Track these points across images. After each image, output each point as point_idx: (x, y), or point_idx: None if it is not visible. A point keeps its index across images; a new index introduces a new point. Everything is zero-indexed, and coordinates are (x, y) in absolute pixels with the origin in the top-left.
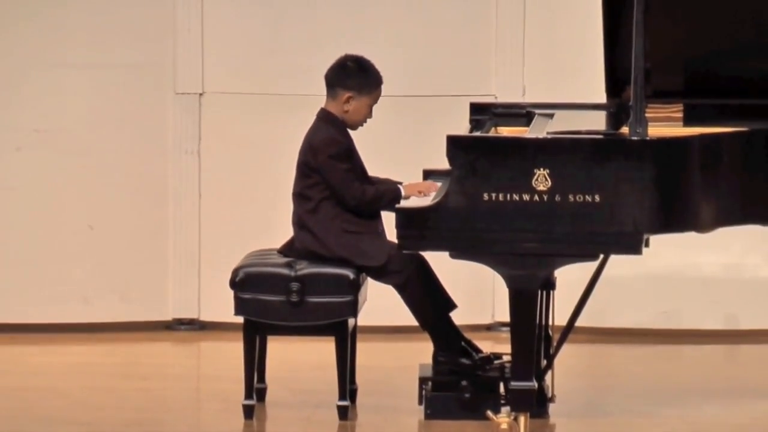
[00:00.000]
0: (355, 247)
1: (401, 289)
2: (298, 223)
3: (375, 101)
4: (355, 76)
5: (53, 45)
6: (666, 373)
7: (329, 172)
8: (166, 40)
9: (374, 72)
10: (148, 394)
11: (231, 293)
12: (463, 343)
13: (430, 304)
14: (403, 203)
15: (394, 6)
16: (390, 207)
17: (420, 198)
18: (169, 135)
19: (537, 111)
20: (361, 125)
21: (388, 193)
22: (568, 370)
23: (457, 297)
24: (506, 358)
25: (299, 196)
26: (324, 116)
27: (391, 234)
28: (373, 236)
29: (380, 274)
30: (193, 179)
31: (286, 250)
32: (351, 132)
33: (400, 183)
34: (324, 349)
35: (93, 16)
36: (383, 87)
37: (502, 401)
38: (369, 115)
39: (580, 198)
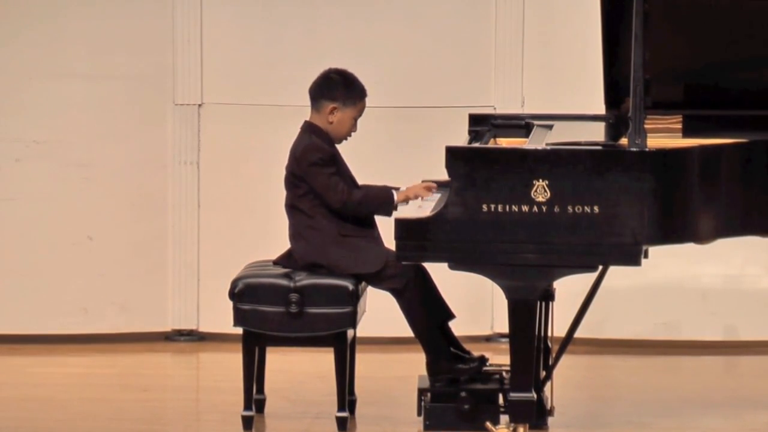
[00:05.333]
0: (351, 254)
1: (399, 294)
2: (294, 234)
3: (359, 114)
4: (338, 88)
5: (53, 56)
6: (665, 384)
7: (313, 178)
8: (166, 51)
9: (358, 84)
10: (148, 405)
11: (230, 304)
12: (453, 349)
13: (426, 312)
14: (403, 214)
15: (393, 18)
16: (382, 211)
17: (417, 203)
18: (168, 146)
19: (536, 122)
20: (346, 139)
21: (378, 196)
22: (567, 381)
23: (456, 308)
24: (505, 369)
25: (291, 207)
26: (308, 127)
27: (390, 245)
28: (369, 242)
29: (379, 279)
30: (192, 190)
31: (284, 261)
32: (346, 142)
33: (396, 189)
34: (323, 360)
35: (92, 27)
36: (383, 97)
37: (501, 412)
38: (354, 128)
39: (579, 209)
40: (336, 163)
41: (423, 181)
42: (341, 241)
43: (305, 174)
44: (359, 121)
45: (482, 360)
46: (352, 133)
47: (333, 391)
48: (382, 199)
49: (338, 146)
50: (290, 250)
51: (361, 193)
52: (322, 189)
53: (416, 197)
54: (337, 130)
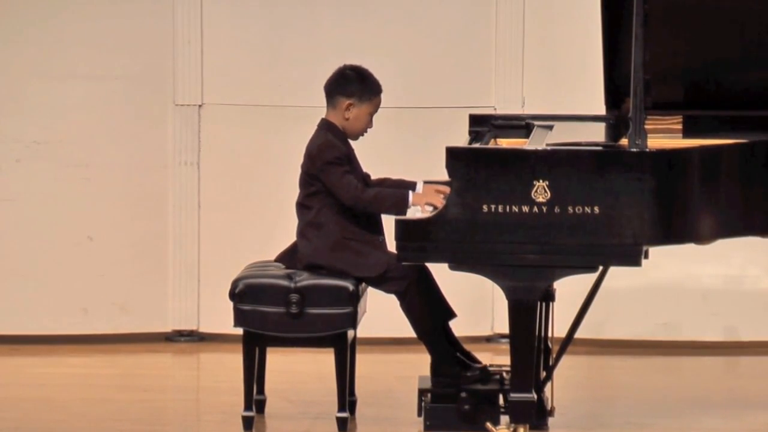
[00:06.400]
0: (352, 258)
1: (401, 297)
2: (300, 233)
3: (375, 109)
4: (354, 84)
5: (53, 56)
6: (665, 384)
7: (326, 175)
8: (166, 51)
9: (373, 80)
10: (148, 405)
11: (230, 305)
12: (459, 355)
13: (429, 313)
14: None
15: (394, 18)
16: (394, 211)
17: (426, 211)
18: (168, 146)
19: (536, 122)
20: (362, 134)
21: (391, 196)
22: (567, 381)
23: (457, 308)
24: (506, 369)
25: (301, 206)
26: (324, 125)
27: (392, 245)
28: (372, 246)
29: (381, 282)
30: (193, 190)
31: (286, 259)
32: (352, 143)
33: (414, 187)
34: (323, 360)
35: (93, 28)
36: (384, 98)
37: (502, 412)
38: (369, 124)
39: (579, 210)
40: (350, 162)
41: (426, 182)
42: (343, 245)
43: (319, 171)
44: (373, 118)
45: (485, 370)
46: (368, 130)
47: (333, 391)
48: (396, 200)
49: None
50: (295, 246)
51: (374, 192)
52: (334, 186)
53: (428, 205)
54: (353, 126)
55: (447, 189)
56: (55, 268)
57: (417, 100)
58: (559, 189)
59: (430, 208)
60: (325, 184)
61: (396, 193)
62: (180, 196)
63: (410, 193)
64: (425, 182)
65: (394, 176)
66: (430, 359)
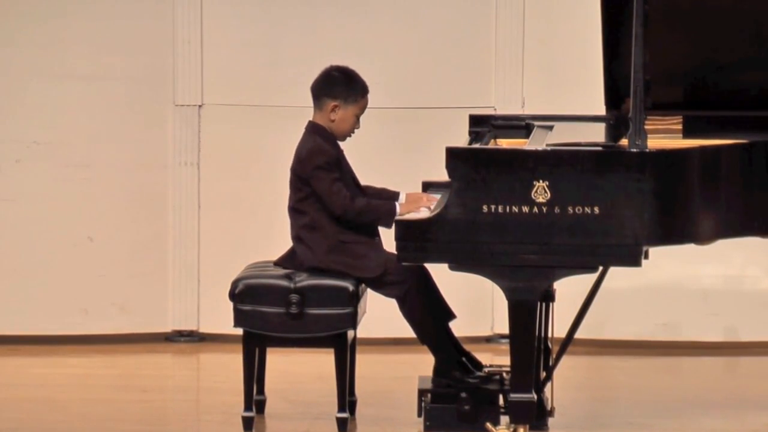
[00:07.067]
0: (350, 260)
1: (401, 302)
2: (295, 237)
3: (362, 111)
4: (340, 85)
5: (53, 57)
6: (665, 385)
7: (316, 182)
8: (166, 52)
9: (359, 81)
10: (148, 406)
11: (230, 305)
12: (463, 359)
13: (430, 317)
14: (403, 215)
15: (393, 18)
16: (382, 223)
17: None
18: (168, 147)
19: (536, 123)
20: (350, 135)
21: (380, 207)
22: (567, 382)
23: (457, 308)
24: (506, 369)
25: (294, 210)
26: (311, 128)
27: (390, 246)
28: (369, 247)
29: (380, 286)
30: (193, 191)
31: (286, 263)
32: (346, 143)
33: (397, 197)
34: (323, 360)
35: (92, 28)
36: (383, 98)
37: (502, 413)
38: (356, 125)
39: (579, 210)
40: (340, 166)
41: (424, 190)
42: (341, 247)
43: (309, 176)
44: (361, 119)
45: (488, 379)
46: (355, 130)
47: (333, 392)
48: (384, 211)
49: (342, 146)
50: (293, 251)
51: (364, 203)
52: (324, 194)
53: (418, 208)
54: (339, 127)
55: (428, 196)
56: (55, 269)
57: (417, 101)
58: (559, 189)
59: (431, 205)
60: (314, 189)
61: (385, 204)
62: (180, 196)
63: (397, 204)
64: (424, 181)
65: (394, 177)
66: (434, 361)
